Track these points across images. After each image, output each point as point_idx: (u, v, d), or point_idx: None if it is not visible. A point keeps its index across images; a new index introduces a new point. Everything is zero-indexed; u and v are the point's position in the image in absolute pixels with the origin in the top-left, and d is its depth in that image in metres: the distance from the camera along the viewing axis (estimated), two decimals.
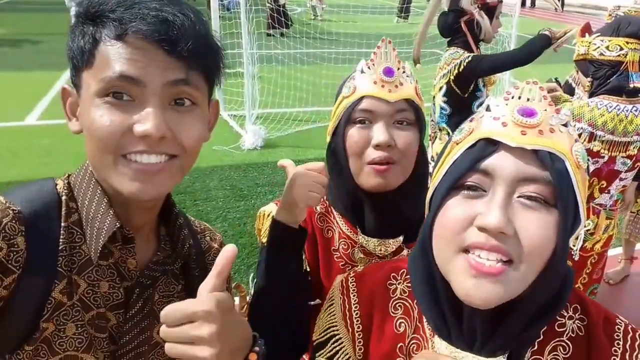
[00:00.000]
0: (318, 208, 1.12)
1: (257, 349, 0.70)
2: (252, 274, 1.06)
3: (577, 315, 0.73)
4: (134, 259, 0.79)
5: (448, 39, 2.64)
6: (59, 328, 0.73)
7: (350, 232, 1.10)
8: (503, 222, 0.60)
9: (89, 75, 0.70)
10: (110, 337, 0.78)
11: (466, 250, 0.64)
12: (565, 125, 0.66)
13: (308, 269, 1.08)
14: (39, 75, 7.22)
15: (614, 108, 1.99)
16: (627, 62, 1.97)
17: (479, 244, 0.62)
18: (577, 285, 2.19)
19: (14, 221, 0.69)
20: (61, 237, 0.73)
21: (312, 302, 1.05)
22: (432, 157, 2.69)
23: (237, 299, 1.02)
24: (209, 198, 4.11)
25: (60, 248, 0.73)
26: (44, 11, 12.88)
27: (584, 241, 2.09)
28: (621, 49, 1.98)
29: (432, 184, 0.72)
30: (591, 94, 2.09)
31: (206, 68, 0.75)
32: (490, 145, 0.65)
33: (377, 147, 0.98)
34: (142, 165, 0.70)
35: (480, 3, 2.47)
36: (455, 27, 2.53)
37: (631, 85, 1.98)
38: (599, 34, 2.04)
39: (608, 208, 2.15)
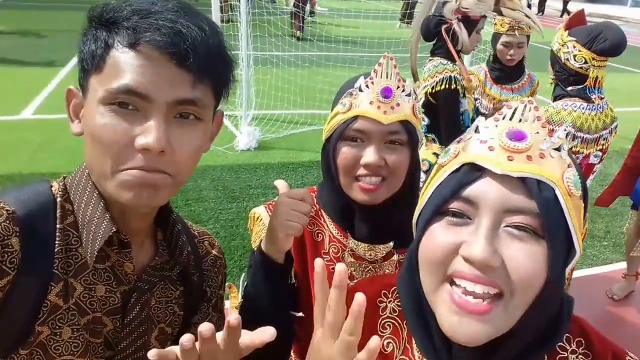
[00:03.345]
0: None
1: None
2: (243, 275, 1.06)
3: (580, 349, 0.69)
4: (131, 262, 0.78)
5: (430, 50, 2.63)
6: (55, 332, 0.71)
7: (341, 235, 1.10)
8: (489, 254, 0.57)
9: (97, 81, 0.69)
10: (106, 343, 0.76)
11: (451, 279, 0.61)
12: (557, 149, 0.61)
13: (294, 281, 1.07)
14: (37, 71, 7.17)
15: (586, 108, 2.13)
16: (589, 78, 2.07)
17: (462, 273, 0.59)
18: None
19: (7, 221, 0.67)
20: (57, 239, 0.72)
21: (297, 314, 1.04)
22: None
23: (227, 302, 1.03)
24: (201, 198, 4.08)
25: (56, 250, 0.71)
26: (43, 9, 12.81)
27: None
28: (585, 62, 2.06)
29: (419, 205, 0.69)
30: (554, 91, 2.22)
31: (215, 81, 0.75)
32: (474, 171, 0.61)
33: (367, 166, 1.00)
34: (139, 175, 0.70)
35: (461, 14, 2.46)
36: (435, 32, 2.53)
37: (592, 97, 2.13)
38: (575, 38, 2.07)
39: None
